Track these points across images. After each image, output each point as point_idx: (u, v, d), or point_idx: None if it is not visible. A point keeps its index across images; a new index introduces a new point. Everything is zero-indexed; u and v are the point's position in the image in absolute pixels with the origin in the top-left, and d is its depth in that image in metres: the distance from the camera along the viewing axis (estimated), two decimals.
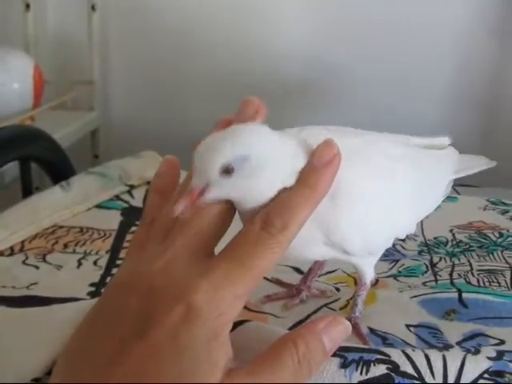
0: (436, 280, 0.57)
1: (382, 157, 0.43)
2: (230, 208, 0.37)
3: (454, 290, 0.53)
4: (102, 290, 0.56)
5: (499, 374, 0.39)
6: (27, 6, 1.25)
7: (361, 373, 0.38)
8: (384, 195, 0.42)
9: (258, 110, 0.39)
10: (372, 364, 0.39)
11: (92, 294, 0.55)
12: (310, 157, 0.36)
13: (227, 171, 0.34)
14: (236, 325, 0.40)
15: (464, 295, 0.52)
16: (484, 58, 1.28)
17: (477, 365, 0.39)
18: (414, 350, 0.40)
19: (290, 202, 0.35)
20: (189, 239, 0.35)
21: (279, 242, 0.34)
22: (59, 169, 0.90)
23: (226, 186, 0.35)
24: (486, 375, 0.39)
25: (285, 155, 0.36)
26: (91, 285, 0.57)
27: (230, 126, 0.39)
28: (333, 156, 0.36)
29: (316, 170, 0.36)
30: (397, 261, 0.62)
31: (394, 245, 0.47)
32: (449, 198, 0.67)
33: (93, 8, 1.27)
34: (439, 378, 0.39)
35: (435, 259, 0.62)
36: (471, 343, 0.45)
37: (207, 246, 0.36)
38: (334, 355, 0.38)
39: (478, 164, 0.54)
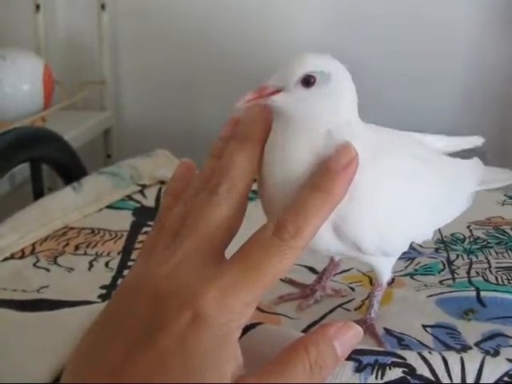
0: (453, 278, 0.56)
1: (408, 156, 0.42)
2: (239, 212, 0.36)
3: (472, 288, 0.52)
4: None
5: None
6: (37, 6, 1.25)
7: (376, 376, 0.37)
8: (403, 194, 0.40)
9: (264, 108, 0.38)
10: (387, 367, 0.38)
11: (103, 297, 0.55)
12: (326, 160, 0.35)
13: (307, 82, 0.34)
14: (248, 328, 0.39)
15: (482, 294, 0.50)
16: (500, 55, 1.26)
17: (496, 367, 0.38)
18: (430, 353, 0.39)
19: (304, 206, 0.34)
20: (196, 243, 0.34)
21: (292, 248, 0.33)
22: (70, 170, 0.89)
23: (299, 95, 0.34)
24: (505, 378, 0.38)
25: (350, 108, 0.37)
26: (102, 287, 0.57)
27: (239, 125, 0.39)
28: (350, 160, 0.35)
29: (332, 174, 0.35)
30: (413, 259, 0.61)
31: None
32: None
33: (102, 7, 1.26)
34: (457, 381, 0.38)
35: (452, 257, 0.61)
36: (490, 344, 0.44)
37: (216, 250, 0.35)
38: (349, 359, 0.37)
39: (502, 178, 0.53)
